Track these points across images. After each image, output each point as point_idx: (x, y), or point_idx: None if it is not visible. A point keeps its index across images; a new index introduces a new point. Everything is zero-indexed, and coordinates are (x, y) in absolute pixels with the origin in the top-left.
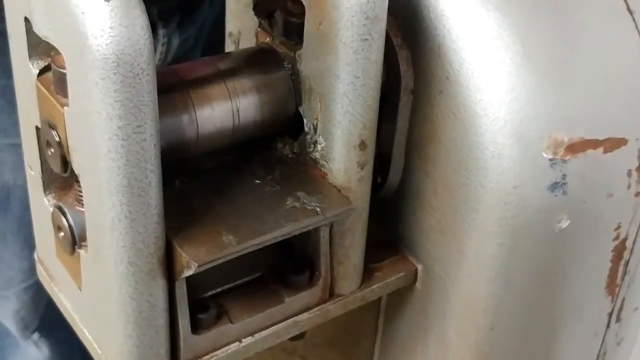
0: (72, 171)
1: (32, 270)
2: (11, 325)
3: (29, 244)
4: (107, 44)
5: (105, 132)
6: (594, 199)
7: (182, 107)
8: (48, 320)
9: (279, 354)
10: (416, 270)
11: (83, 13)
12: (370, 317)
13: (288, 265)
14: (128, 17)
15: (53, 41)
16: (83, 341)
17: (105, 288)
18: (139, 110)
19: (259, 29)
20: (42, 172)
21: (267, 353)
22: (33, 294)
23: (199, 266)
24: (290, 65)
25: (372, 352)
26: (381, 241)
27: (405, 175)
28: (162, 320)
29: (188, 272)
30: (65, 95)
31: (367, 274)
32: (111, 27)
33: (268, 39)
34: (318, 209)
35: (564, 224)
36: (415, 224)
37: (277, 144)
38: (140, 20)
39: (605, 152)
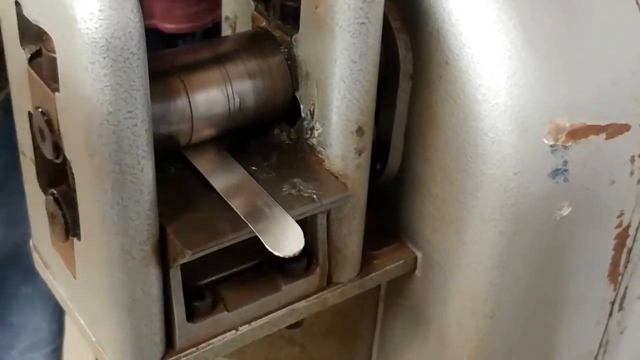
0: (65, 157)
1: (59, 332)
2: None
3: (58, 308)
4: (96, 28)
5: (95, 117)
6: (595, 186)
7: (176, 92)
8: None
9: (277, 342)
10: (415, 258)
11: None
12: (369, 305)
13: None
14: (117, 0)
15: (43, 25)
16: (78, 329)
17: (98, 276)
18: (129, 95)
19: (255, 13)
20: (35, 158)
21: (265, 341)
22: (60, 356)
23: (192, 254)
24: (286, 50)
25: (371, 340)
26: (380, 229)
27: (404, 162)
28: (156, 308)
29: (182, 260)
30: (56, 80)
31: (366, 262)
32: (100, 10)
33: (264, 23)
34: (314, 196)
35: (566, 211)
36: (415, 212)
37: (274, 130)
38: (130, 3)
39: (607, 138)
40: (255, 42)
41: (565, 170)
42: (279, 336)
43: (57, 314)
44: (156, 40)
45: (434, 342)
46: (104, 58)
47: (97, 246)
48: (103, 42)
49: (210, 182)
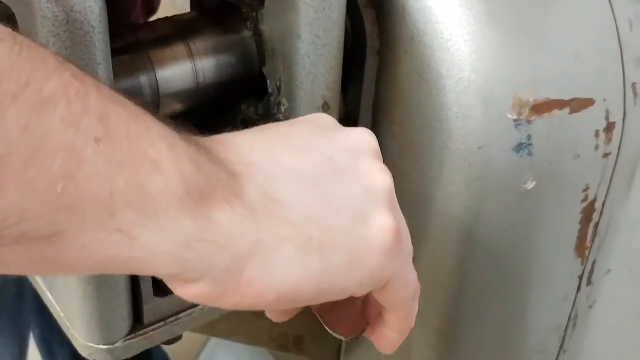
0: None
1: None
2: None
3: (20, 333)
4: (56, 1)
5: None
6: (560, 160)
7: (142, 68)
8: None
9: (248, 317)
10: None
11: None
12: None
13: None
14: None
15: (6, 1)
16: (47, 304)
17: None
18: (91, 70)
19: None
20: None
21: (236, 316)
22: None
23: None
24: (253, 26)
25: None
26: None
27: None
28: (123, 282)
29: None
30: None
31: None
32: None
33: None
34: None
35: (530, 185)
36: None
37: (242, 106)
38: None
39: (571, 112)
40: (222, 18)
41: (530, 145)
42: (249, 311)
43: (19, 339)
44: None
45: None
46: (64, 32)
47: None
48: (63, 16)
49: None
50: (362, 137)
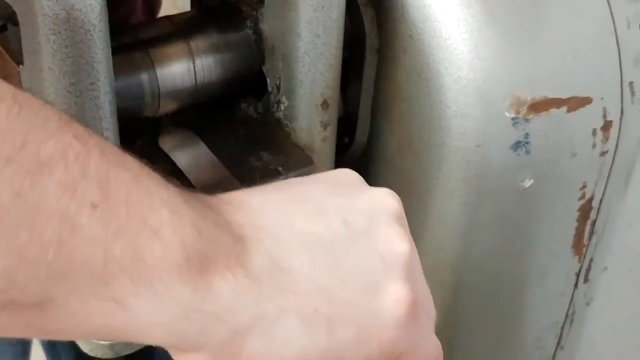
0: None
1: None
2: None
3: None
4: (57, 0)
5: (58, 88)
6: (557, 158)
7: (141, 65)
8: None
9: None
10: None
11: None
12: None
13: None
14: None
15: None
16: None
17: None
18: (91, 67)
19: None
20: None
21: None
22: None
23: None
24: (252, 24)
25: None
26: None
27: (371, 136)
28: None
29: None
30: (21, 53)
31: None
32: None
33: None
34: (280, 169)
35: (528, 183)
36: (382, 184)
37: (242, 104)
38: None
39: (569, 111)
40: (222, 17)
41: (527, 143)
42: None
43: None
44: None
45: None
46: (65, 30)
47: None
48: (64, 14)
49: (172, 159)
50: (383, 198)
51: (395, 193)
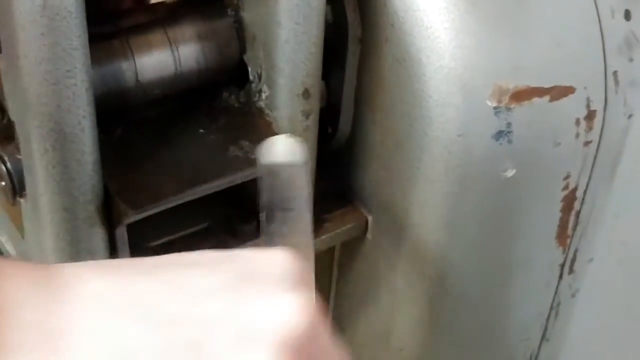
0: (10, 119)
1: None
2: None
3: None
4: None
5: (34, 76)
6: (540, 147)
7: (121, 54)
8: None
9: None
10: (367, 220)
11: None
12: (324, 268)
13: (236, 216)
14: None
15: None
16: None
17: (44, 236)
18: (67, 55)
19: None
20: None
21: None
22: None
23: (136, 214)
24: (233, 13)
25: (326, 302)
26: (333, 192)
27: (355, 126)
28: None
29: (126, 221)
30: None
31: (317, 225)
32: None
33: None
34: None
35: (510, 172)
36: (365, 174)
37: (224, 93)
38: None
39: (551, 100)
40: (203, 5)
41: (509, 132)
42: None
43: None
44: None
45: (386, 304)
46: (41, 17)
47: (41, 206)
48: (40, 1)
49: None
50: (287, 319)
51: (313, 310)
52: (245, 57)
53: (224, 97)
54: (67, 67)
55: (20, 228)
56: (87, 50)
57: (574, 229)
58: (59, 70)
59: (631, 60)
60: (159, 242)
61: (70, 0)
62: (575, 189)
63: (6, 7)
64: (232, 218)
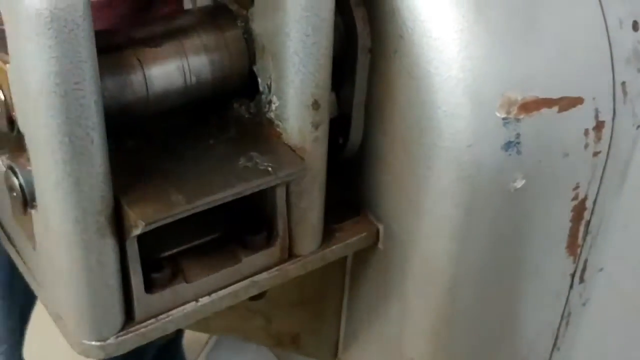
0: (19, 130)
1: (16, 329)
2: None
3: (13, 303)
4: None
5: (43, 88)
6: (549, 158)
7: (131, 65)
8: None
9: (243, 314)
10: (378, 230)
11: None
12: (337, 277)
13: (246, 226)
14: None
15: None
16: (40, 301)
17: (55, 247)
18: (76, 67)
19: None
20: None
21: (231, 314)
22: (18, 353)
23: (146, 225)
24: (243, 24)
25: (339, 312)
26: (344, 202)
27: (365, 136)
28: (113, 279)
29: (136, 232)
30: (6, 52)
31: (328, 235)
32: None
33: None
34: (270, 169)
35: (519, 183)
36: (376, 185)
37: (234, 104)
38: None
39: (560, 111)
40: (213, 16)
41: (518, 143)
42: (244, 308)
43: (14, 311)
44: None
45: (397, 313)
46: (49, 29)
47: (52, 218)
48: (47, 13)
49: None
50: None
51: None
52: (255, 68)
53: (234, 108)
54: (76, 80)
55: (31, 238)
56: (96, 62)
57: (584, 238)
58: (68, 82)
59: (639, 70)
60: (170, 252)
61: (78, 13)
62: (584, 199)
63: (15, 20)
64: (241, 228)
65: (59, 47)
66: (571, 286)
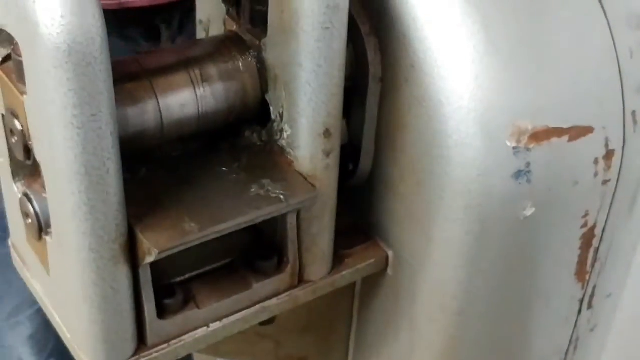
0: (35, 159)
1: None
2: (26, 351)
3: None
4: (58, 33)
5: (60, 120)
6: (559, 187)
7: (145, 95)
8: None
9: (252, 338)
10: (387, 256)
11: (34, 2)
12: (345, 302)
13: (257, 252)
14: (80, 6)
15: (9, 29)
16: (54, 325)
17: (70, 274)
18: (93, 99)
19: (227, 16)
20: (10, 159)
21: (240, 337)
22: (44, 316)
23: (160, 252)
24: (256, 54)
25: (348, 337)
26: (354, 228)
27: (375, 163)
28: (127, 305)
29: (150, 259)
30: (24, 83)
31: (338, 261)
32: (62, 16)
33: (235, 27)
34: (282, 197)
35: (529, 211)
36: (385, 211)
37: (246, 132)
38: (92, 8)
39: (570, 140)
40: (225, 46)
41: (528, 172)
42: (254, 332)
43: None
44: (133, 21)
45: (406, 339)
46: (67, 63)
47: (67, 245)
48: (65, 47)
49: None
50: None
51: None
52: (268, 97)
53: (246, 136)
54: (92, 112)
55: (45, 264)
56: (112, 93)
57: (593, 265)
58: (84, 114)
59: None
60: (182, 278)
61: (95, 46)
62: (594, 227)
63: (33, 52)
64: (253, 254)
65: (77, 80)
66: (579, 312)
